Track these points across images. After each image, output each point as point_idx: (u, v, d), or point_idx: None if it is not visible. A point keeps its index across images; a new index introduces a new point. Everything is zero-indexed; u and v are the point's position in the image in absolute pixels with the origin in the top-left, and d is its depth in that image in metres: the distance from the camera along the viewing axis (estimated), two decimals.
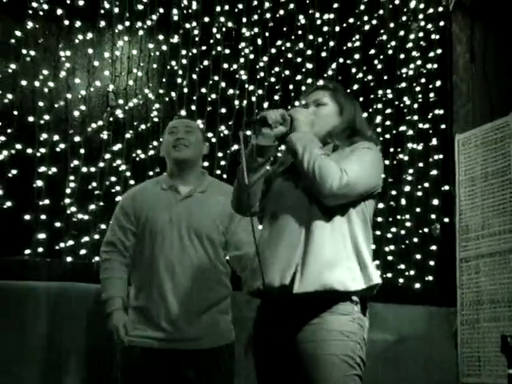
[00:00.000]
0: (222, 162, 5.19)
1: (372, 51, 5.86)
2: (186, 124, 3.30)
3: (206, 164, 5.03)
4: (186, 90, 5.22)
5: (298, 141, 2.35)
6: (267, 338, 2.40)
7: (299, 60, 5.61)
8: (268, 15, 5.53)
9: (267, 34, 5.52)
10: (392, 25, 5.91)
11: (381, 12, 5.88)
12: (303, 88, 5.53)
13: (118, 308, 3.12)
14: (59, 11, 4.93)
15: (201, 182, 3.21)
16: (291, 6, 5.61)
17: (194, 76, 5.28)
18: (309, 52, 5.67)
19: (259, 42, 5.49)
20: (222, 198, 3.13)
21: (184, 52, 5.27)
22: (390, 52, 5.89)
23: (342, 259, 2.30)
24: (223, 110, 5.28)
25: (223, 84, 5.33)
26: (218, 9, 5.41)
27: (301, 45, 5.62)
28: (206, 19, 5.37)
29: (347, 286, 2.28)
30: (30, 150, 4.71)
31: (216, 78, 5.33)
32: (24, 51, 4.79)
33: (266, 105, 5.41)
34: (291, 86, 5.53)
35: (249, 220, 2.98)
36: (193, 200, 3.15)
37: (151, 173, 4.98)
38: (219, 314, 3.11)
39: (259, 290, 2.35)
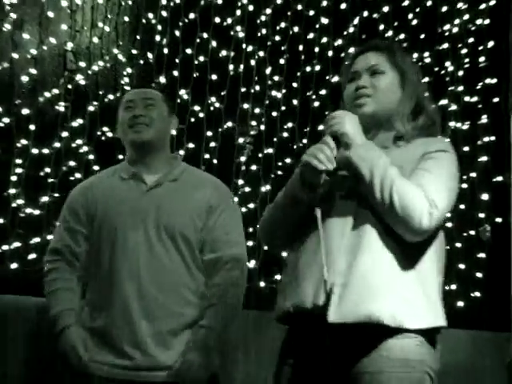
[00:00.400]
0: (212, 144, 5.19)
1: (405, 2, 5.78)
2: (145, 96, 3.25)
3: (191, 145, 5.03)
4: (166, 51, 5.20)
5: (358, 159, 2.31)
6: (306, 369, 2.37)
7: (312, 13, 5.56)
8: None
9: None
10: None
11: None
12: (316, 49, 5.47)
13: (72, 323, 3.06)
14: None
15: (171, 168, 3.19)
16: None
17: (177, 32, 5.25)
18: (324, 3, 5.58)
19: None
20: (200, 187, 3.14)
21: (164, 1, 5.23)
22: (429, 3, 5.79)
23: (397, 288, 2.27)
24: (214, 77, 5.27)
25: (214, 43, 5.31)
26: None
27: None
28: None
29: (401, 322, 2.24)
30: None
31: (205, 35, 5.29)
32: None
33: (268, 70, 5.37)
34: (301, 47, 5.48)
35: (232, 214, 3.18)
36: (162, 191, 3.13)
37: (121, 156, 4.78)
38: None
39: (288, 312, 2.35)
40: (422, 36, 5.72)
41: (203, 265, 3.14)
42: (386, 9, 5.72)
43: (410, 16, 5.76)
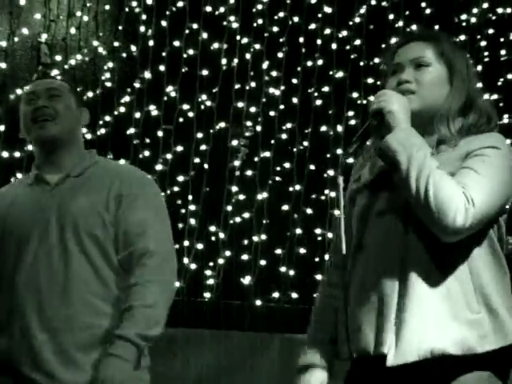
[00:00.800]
0: (203, 147, 5.12)
1: None
2: (49, 85, 3.00)
3: (180, 148, 5.02)
4: (151, 43, 5.15)
5: (397, 145, 2.20)
6: None
7: (313, 1, 5.44)
8: None
9: None
10: None
11: None
12: (318, 42, 5.36)
13: None
14: None
15: (79, 163, 2.97)
16: None
17: (164, 23, 5.18)
18: None
19: None
20: (108, 177, 2.92)
21: None
22: None
23: (459, 311, 2.20)
24: (205, 72, 5.18)
25: (205, 35, 5.22)
26: None
27: None
28: None
29: (470, 348, 2.17)
30: None
31: (195, 25, 5.22)
32: None
33: (265, 65, 5.31)
34: (301, 39, 5.39)
35: (147, 200, 2.88)
36: (65, 188, 2.92)
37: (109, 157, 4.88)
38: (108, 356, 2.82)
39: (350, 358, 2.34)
40: (437, 27, 5.52)
41: (119, 265, 2.92)
42: None
43: (424, 4, 5.67)
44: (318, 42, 5.39)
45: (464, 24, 5.69)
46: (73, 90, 3.12)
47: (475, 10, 5.70)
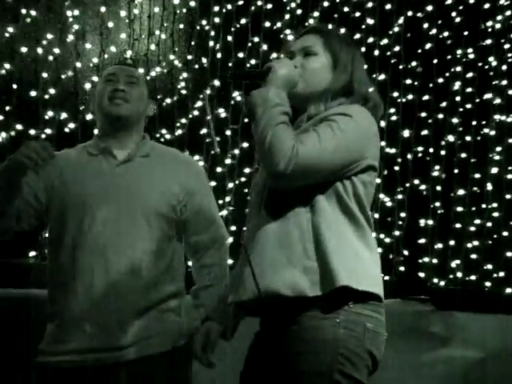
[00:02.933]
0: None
1: (448, 1, 5.80)
2: (129, 73, 3.05)
3: (245, 145, 5.13)
4: (219, 56, 5.27)
5: (259, 99, 2.25)
6: (249, 354, 2.43)
7: (358, 14, 5.61)
8: None
9: None
10: None
11: None
12: (363, 49, 5.52)
13: None
14: None
15: (142, 145, 3.01)
16: None
17: (230, 38, 5.32)
18: (369, 4, 5.63)
19: None
20: (173, 164, 3.01)
21: (217, 8, 5.30)
22: (471, 1, 5.81)
23: (296, 257, 2.22)
24: None
25: (265, 47, 5.34)
26: None
27: None
28: None
29: (300, 291, 2.19)
30: (32, 131, 4.77)
31: (256, 39, 5.35)
32: (23, 11, 4.84)
33: None
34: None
35: (211, 200, 3.03)
36: (134, 165, 2.94)
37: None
38: (162, 313, 2.90)
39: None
40: (466, 33, 5.74)
41: (187, 246, 3.02)
42: (429, 8, 5.75)
43: (454, 14, 5.78)
44: (363, 49, 5.47)
45: (490, 30, 5.73)
46: (146, 82, 3.16)
47: (499, 17, 5.75)
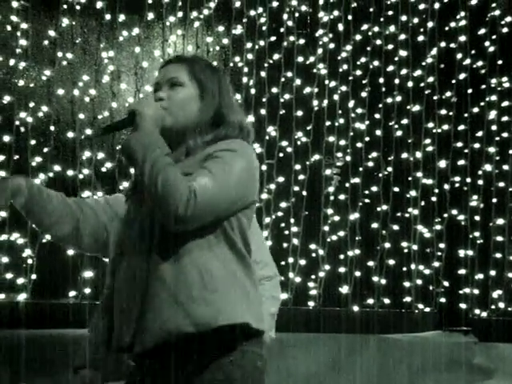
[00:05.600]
0: (301, 176, 5.21)
1: (482, 31, 5.71)
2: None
3: (281, 179, 5.11)
4: (253, 91, 5.28)
5: (136, 145, 2.13)
6: None
7: (390, 47, 5.58)
8: None
9: (350, 18, 5.48)
10: None
11: None
12: (396, 81, 5.50)
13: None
14: (99, 4, 4.95)
15: None
16: None
17: (263, 73, 5.32)
18: (402, 36, 5.59)
19: (340, 27, 5.46)
20: None
21: (249, 45, 5.29)
22: (505, 30, 5.70)
23: (196, 294, 2.13)
24: (299, 113, 5.31)
25: (298, 81, 5.34)
26: None
27: (392, 28, 5.59)
28: (275, 3, 5.36)
29: (184, 330, 2.11)
30: (71, 172, 4.78)
31: (289, 74, 5.35)
32: (60, 54, 4.85)
33: (350, 104, 5.40)
34: (381, 80, 5.50)
35: None
36: None
37: None
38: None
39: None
40: (500, 62, 5.66)
41: None
42: (462, 38, 5.70)
43: (487, 43, 5.71)
44: (396, 81, 5.48)
45: None
46: None
47: None
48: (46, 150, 4.71)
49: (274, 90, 5.26)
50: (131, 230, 2.25)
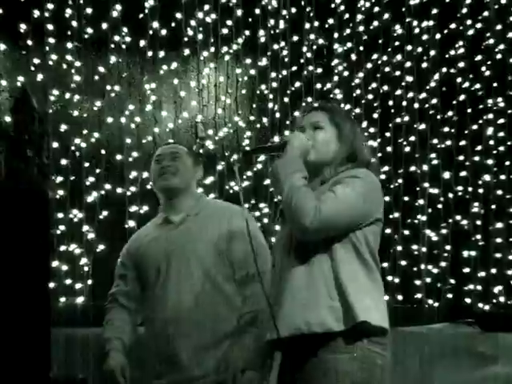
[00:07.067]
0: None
1: (478, 57, 5.91)
2: (172, 150, 3.21)
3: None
4: (278, 115, 5.47)
5: (281, 168, 2.40)
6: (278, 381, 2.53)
7: (398, 73, 5.75)
8: (361, 28, 5.72)
9: (361, 48, 5.68)
10: (499, 26, 5.93)
11: (485, 14, 5.93)
12: (404, 103, 5.69)
13: (114, 348, 3.05)
14: (142, 43, 5.23)
15: (195, 205, 3.15)
16: (386, 15, 5.75)
17: (286, 99, 5.50)
18: (408, 64, 5.77)
19: (353, 57, 5.66)
20: (219, 213, 3.12)
21: (274, 74, 5.51)
22: (499, 56, 5.91)
23: (321, 299, 2.34)
24: None
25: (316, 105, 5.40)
26: (307, 26, 5.60)
27: (399, 57, 5.76)
28: (295, 38, 5.58)
29: (328, 327, 2.31)
30: (119, 190, 5.02)
31: (309, 99, 5.54)
32: (108, 87, 5.13)
33: (364, 124, 5.56)
34: (391, 102, 5.68)
35: (253, 237, 2.85)
36: (186, 226, 3.11)
37: (246, 205, 5.14)
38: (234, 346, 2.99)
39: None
40: (495, 84, 5.84)
41: (236, 282, 3.08)
42: (461, 64, 5.86)
43: (483, 68, 5.89)
44: (404, 103, 5.63)
45: None
46: (190, 153, 3.26)
47: None
48: (98, 170, 4.98)
49: (297, 113, 5.34)
50: (279, 242, 2.54)
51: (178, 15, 5.28)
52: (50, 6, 4.99)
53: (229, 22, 5.40)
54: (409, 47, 5.76)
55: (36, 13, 4.96)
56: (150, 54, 5.22)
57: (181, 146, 3.30)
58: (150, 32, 5.21)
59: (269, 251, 2.99)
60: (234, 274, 3.03)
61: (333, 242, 2.37)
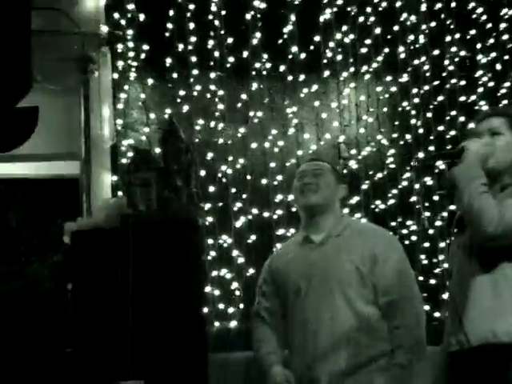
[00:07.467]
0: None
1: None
2: (315, 167, 3.16)
3: (452, 207, 5.02)
4: (421, 131, 5.41)
5: (460, 175, 2.40)
6: None
7: None
8: (505, 36, 5.56)
9: (506, 58, 5.52)
10: None
11: None
12: None
13: (275, 362, 3.04)
14: (282, 67, 5.32)
15: (337, 225, 3.08)
16: None
17: (429, 114, 5.44)
18: None
19: (498, 67, 5.52)
20: (362, 235, 3.05)
21: (415, 90, 5.45)
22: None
23: (508, 308, 2.33)
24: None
25: (462, 118, 5.42)
26: (448, 38, 5.51)
27: None
28: (436, 52, 5.50)
29: (501, 339, 2.31)
30: (266, 214, 5.11)
31: (453, 112, 5.44)
32: (251, 113, 5.25)
33: None
34: None
35: (398, 261, 2.96)
36: (328, 247, 3.04)
37: (393, 223, 5.10)
38: (371, 373, 2.92)
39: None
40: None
41: (379, 308, 2.98)
42: None
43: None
44: None
45: None
46: (334, 170, 3.21)
47: None
48: (244, 195, 5.10)
49: (440, 128, 5.36)
50: (455, 252, 2.57)
51: (317, 38, 5.31)
52: (193, 38, 5.17)
53: (367, 41, 5.39)
54: None
55: (180, 46, 5.15)
56: (290, 78, 5.29)
57: (324, 161, 3.25)
58: (290, 56, 5.27)
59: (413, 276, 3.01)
60: (377, 299, 2.95)
61: None
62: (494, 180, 2.48)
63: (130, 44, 5.13)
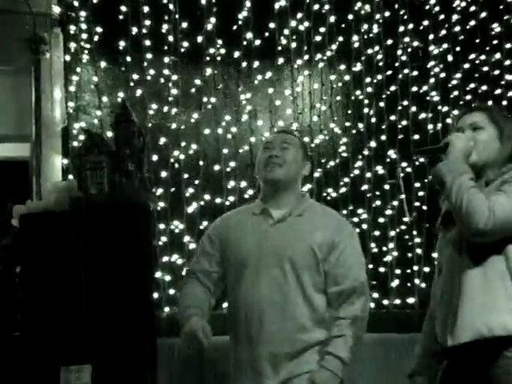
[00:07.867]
0: (421, 193, 5.31)
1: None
2: (283, 139, 3.01)
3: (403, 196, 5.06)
4: (373, 120, 5.42)
5: (446, 170, 2.39)
6: None
7: (497, 72, 5.59)
8: (457, 28, 5.58)
9: (458, 49, 5.55)
10: None
11: None
12: (504, 102, 5.53)
13: (193, 314, 2.89)
14: (236, 54, 5.30)
15: (298, 204, 2.97)
16: (483, 14, 5.58)
17: (382, 104, 5.45)
18: (507, 62, 5.61)
19: (450, 58, 5.54)
20: (323, 221, 2.95)
21: (368, 80, 5.46)
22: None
23: (501, 301, 2.34)
24: (416, 137, 5.41)
25: (413, 108, 5.45)
26: (402, 28, 5.52)
27: (497, 55, 5.60)
28: (389, 42, 5.51)
29: (510, 330, 2.31)
30: (218, 200, 5.11)
31: (405, 102, 5.46)
32: (205, 99, 5.24)
33: None
34: (490, 102, 5.48)
35: (353, 253, 2.90)
36: (287, 224, 2.93)
37: (344, 211, 5.13)
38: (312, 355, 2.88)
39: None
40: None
41: (327, 296, 2.91)
42: None
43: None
44: (504, 102, 5.45)
45: None
46: (302, 145, 3.07)
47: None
48: (196, 181, 5.09)
49: (392, 117, 5.39)
50: (444, 248, 2.56)
51: (271, 25, 5.29)
52: (147, 22, 5.12)
53: (322, 29, 5.37)
54: (508, 45, 5.56)
55: (134, 29, 5.09)
56: (244, 64, 5.27)
57: (294, 135, 3.13)
58: (244, 42, 5.26)
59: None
60: (327, 288, 2.89)
61: (505, 241, 2.36)
62: (477, 176, 2.47)
63: (83, 26, 5.06)
